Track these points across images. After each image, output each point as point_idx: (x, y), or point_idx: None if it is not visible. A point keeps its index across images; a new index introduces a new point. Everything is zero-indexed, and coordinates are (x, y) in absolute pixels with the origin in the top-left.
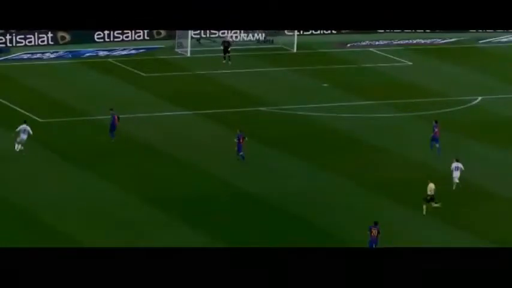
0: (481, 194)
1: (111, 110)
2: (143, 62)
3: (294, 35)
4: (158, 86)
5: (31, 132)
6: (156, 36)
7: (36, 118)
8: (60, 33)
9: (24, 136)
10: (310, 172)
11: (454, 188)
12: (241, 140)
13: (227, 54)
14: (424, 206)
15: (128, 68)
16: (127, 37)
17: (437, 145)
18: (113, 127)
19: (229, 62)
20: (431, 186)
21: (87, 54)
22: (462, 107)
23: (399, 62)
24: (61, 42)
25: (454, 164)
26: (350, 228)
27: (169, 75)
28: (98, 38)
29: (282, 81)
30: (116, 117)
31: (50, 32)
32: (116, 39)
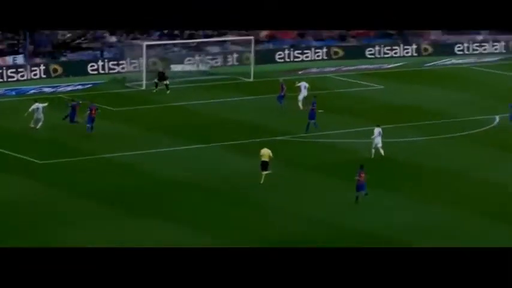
0: None
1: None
2: (101, 96)
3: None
4: (135, 119)
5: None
6: (53, 74)
7: None
8: None
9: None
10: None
11: (372, 156)
12: (93, 111)
13: (164, 82)
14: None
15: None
16: (22, 76)
17: (312, 121)
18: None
19: (168, 91)
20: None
21: (32, 91)
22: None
23: (370, 86)
24: None
25: (377, 129)
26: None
27: (141, 109)
28: None
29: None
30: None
31: None
32: (10, 80)
